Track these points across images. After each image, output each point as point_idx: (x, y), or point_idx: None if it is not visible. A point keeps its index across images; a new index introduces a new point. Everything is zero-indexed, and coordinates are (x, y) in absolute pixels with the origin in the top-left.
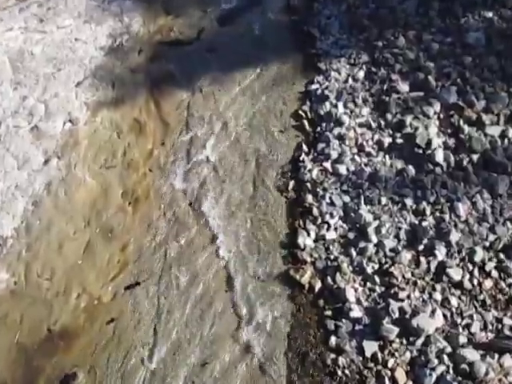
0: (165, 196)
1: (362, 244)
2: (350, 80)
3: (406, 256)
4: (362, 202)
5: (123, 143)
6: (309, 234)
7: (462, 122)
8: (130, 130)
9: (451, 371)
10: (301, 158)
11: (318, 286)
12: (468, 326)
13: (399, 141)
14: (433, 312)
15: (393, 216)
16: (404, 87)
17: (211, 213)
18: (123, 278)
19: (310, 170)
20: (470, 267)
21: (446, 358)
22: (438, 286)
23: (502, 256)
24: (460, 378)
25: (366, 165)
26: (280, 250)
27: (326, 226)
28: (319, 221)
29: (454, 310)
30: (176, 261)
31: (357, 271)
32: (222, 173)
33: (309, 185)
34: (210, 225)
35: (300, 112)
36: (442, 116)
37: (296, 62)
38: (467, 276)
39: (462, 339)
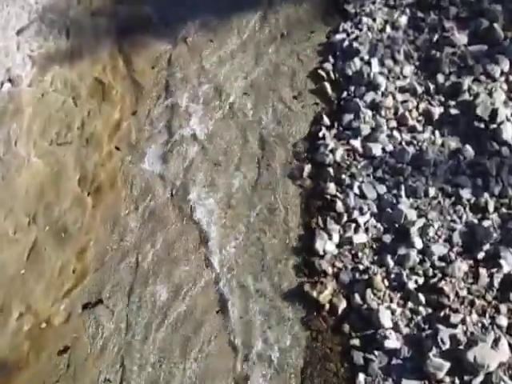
0: (137, 183)
1: (401, 250)
2: (388, 28)
3: (461, 267)
4: (403, 193)
5: (81, 112)
6: (330, 237)
7: None
8: (90, 94)
9: None
10: (320, 134)
11: (341, 306)
12: None
13: (454, 111)
14: (496, 342)
15: (444, 213)
16: (461, 38)
17: (200, 207)
18: (80, 294)
19: (332, 151)
20: None
21: None
22: (504, 308)
23: None
24: None
25: (408, 143)
26: (291, 257)
27: (353, 226)
28: (344, 219)
29: None
30: (151, 270)
31: (394, 287)
32: (213, 153)
33: (331, 170)
34: (197, 222)
35: (320, 72)
36: None
37: (315, 1)
38: None
39: None
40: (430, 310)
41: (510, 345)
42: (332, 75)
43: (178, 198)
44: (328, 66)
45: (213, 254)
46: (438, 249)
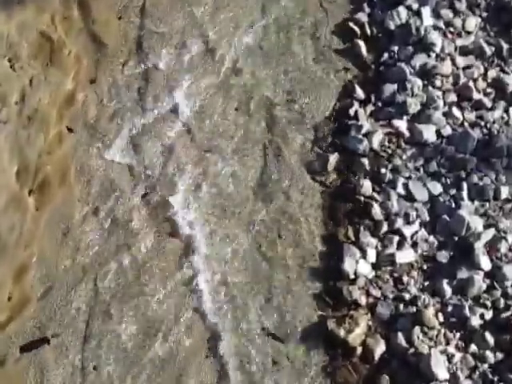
0: (97, 179)
1: (462, 273)
2: None
3: None
4: (465, 194)
5: (20, 80)
6: (364, 254)
7: None
8: (32, 54)
9: None
10: (351, 112)
11: (379, 349)
12: None
13: None
14: None
15: None
16: None
17: (183, 212)
18: (19, 330)
19: (367, 135)
20: None
21: None
22: None
23: None
24: None
25: (472, 125)
26: (309, 282)
27: (396, 240)
28: (384, 229)
29: None
30: (116, 298)
31: (452, 323)
32: (203, 138)
33: (365, 161)
34: (180, 231)
35: (351, 25)
36: None
37: None
38: None
39: None
40: (500, 356)
41: None
42: (367, 30)
43: (154, 200)
44: (362, 16)
45: (200, 276)
46: None
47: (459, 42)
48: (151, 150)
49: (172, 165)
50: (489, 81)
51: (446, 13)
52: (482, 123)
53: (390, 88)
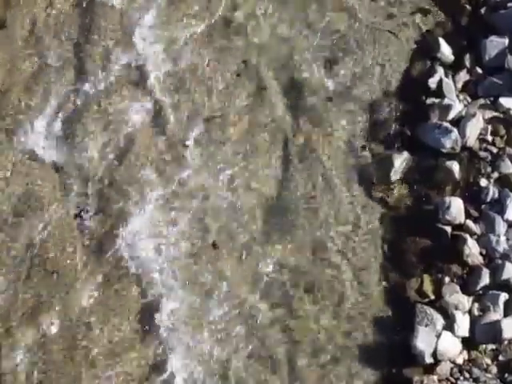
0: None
1: None
2: None
3: None
4: None
5: None
6: (450, 322)
7: None
8: None
9: None
10: (431, 82)
11: None
12: None
13: None
14: None
15: None
16: None
17: (142, 243)
18: None
19: (458, 121)
20: None
21: None
22: None
23: None
24: None
25: None
26: (361, 366)
27: (503, 299)
28: (484, 280)
29: None
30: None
31: None
32: (175, 126)
33: (455, 166)
34: (135, 274)
35: None
36: None
37: None
38: None
39: None
40: None
41: None
42: None
43: (96, 223)
44: None
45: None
46: None
47: None
48: (95, 141)
49: (126, 166)
50: None
51: None
52: None
53: (496, 44)
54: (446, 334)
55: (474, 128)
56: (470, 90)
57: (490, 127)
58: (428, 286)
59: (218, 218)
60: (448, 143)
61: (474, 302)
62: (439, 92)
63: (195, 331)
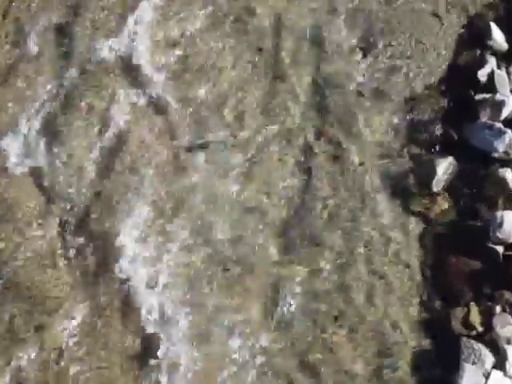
0: None
1: None
2: None
3: None
4: None
5: None
6: (502, 361)
7: None
8: None
9: None
10: (481, 74)
11: None
12: None
13: None
14: None
15: None
16: None
17: (136, 270)
18: None
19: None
20: None
21: None
22: None
23: None
24: None
25: None
26: None
27: None
28: None
29: None
30: None
31: None
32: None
33: (509, 175)
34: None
35: None
36: None
37: None
38: None
39: None
40: None
41: None
42: None
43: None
44: None
45: None
46: None
47: None
48: (83, 146)
49: (116, 177)
50: None
51: None
52: None
53: None
54: (496, 374)
55: None
56: None
57: None
58: (475, 317)
59: None
60: (501, 147)
61: None
62: (490, 86)
63: None
